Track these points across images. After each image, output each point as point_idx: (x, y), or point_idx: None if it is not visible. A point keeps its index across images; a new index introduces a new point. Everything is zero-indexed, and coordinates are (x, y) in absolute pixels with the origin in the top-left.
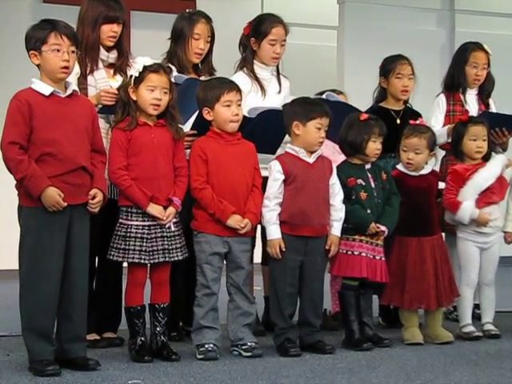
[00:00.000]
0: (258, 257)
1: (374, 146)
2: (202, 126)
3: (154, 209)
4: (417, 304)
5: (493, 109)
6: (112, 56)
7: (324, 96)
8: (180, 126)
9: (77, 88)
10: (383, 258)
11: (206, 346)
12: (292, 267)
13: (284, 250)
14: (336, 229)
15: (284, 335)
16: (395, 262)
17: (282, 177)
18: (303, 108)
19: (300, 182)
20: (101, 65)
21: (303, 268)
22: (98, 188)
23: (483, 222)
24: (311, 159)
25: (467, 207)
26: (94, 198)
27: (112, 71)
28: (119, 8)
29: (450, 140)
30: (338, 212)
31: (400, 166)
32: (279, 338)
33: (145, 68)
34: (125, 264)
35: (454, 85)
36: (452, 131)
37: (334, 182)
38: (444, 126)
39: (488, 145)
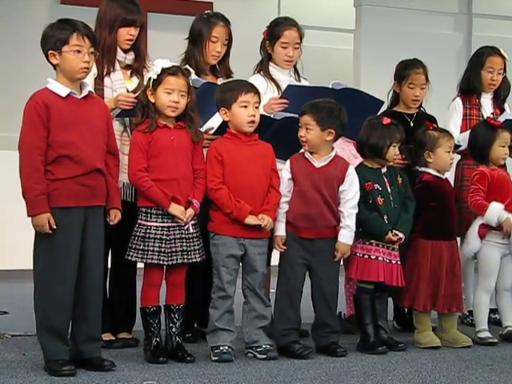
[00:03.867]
0: (275, 259)
1: (394, 152)
2: (224, 132)
3: (175, 209)
4: (449, 308)
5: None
6: (129, 57)
7: (330, 85)
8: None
9: (92, 89)
10: (399, 262)
11: (221, 347)
12: (299, 264)
13: (285, 246)
14: (343, 236)
15: (287, 336)
16: (429, 267)
17: (289, 175)
18: (340, 121)
19: (303, 186)
20: (118, 66)
21: (312, 269)
22: (115, 208)
23: (508, 228)
24: (319, 163)
25: (496, 207)
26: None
27: (129, 73)
28: (137, 11)
29: None
30: (345, 219)
31: (431, 170)
32: (283, 339)
33: (163, 70)
34: (139, 264)
35: (469, 89)
36: (474, 134)
37: (346, 188)
38: (461, 129)
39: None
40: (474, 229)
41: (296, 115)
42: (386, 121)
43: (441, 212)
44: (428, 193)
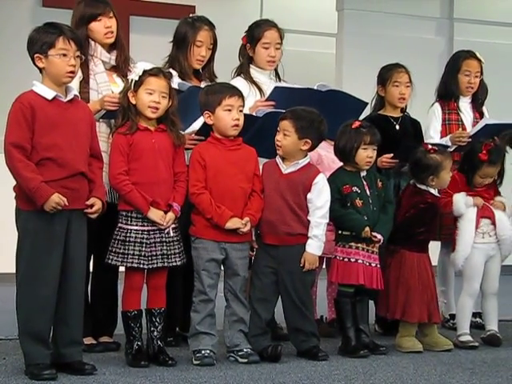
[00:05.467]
0: None
1: (365, 154)
2: (208, 132)
3: (154, 214)
4: (435, 317)
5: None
6: (113, 57)
7: (315, 87)
8: (181, 132)
9: (77, 93)
10: (378, 266)
11: (203, 351)
12: (263, 273)
13: (254, 252)
14: (310, 246)
15: (257, 343)
16: (418, 279)
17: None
18: (319, 133)
19: (267, 190)
20: (102, 68)
21: (279, 276)
22: (96, 197)
23: (479, 203)
24: (287, 169)
25: (458, 197)
26: (92, 206)
27: (115, 75)
28: (100, 4)
29: (452, 149)
30: (313, 229)
31: (433, 190)
32: (255, 346)
33: (144, 72)
34: (121, 268)
35: (447, 93)
36: (465, 156)
37: (312, 197)
38: (441, 135)
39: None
40: (464, 235)
41: (278, 110)
42: (355, 124)
43: (431, 228)
44: (430, 214)
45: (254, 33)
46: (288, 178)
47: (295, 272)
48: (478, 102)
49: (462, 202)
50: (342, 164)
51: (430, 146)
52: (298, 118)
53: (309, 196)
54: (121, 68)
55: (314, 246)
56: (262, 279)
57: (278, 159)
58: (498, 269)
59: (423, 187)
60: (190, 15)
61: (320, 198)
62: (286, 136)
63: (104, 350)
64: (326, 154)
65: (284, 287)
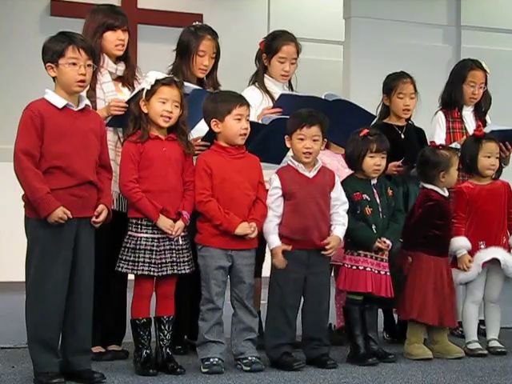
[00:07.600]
0: (267, 270)
1: (373, 162)
2: (212, 139)
3: (163, 223)
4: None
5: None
6: (120, 68)
7: (323, 96)
8: (190, 141)
9: (89, 102)
10: (388, 273)
11: (211, 359)
12: (295, 279)
13: (288, 252)
14: (337, 229)
15: (279, 349)
16: (434, 282)
17: (280, 192)
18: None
19: (300, 199)
20: (109, 77)
21: (307, 282)
22: (104, 204)
23: (461, 265)
24: (311, 173)
25: (459, 242)
26: (99, 214)
27: (120, 85)
28: (120, 17)
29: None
30: (340, 218)
31: (438, 189)
32: (274, 352)
33: (157, 81)
34: (130, 276)
35: (451, 102)
36: (463, 147)
37: (337, 195)
38: (445, 143)
39: (499, 161)
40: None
41: (283, 116)
42: (363, 132)
43: (444, 230)
44: (437, 211)
45: (272, 44)
46: (315, 181)
47: (323, 277)
48: (480, 111)
49: (455, 250)
50: (346, 172)
51: (437, 143)
52: (321, 121)
53: (333, 195)
54: (127, 79)
55: (340, 231)
56: (291, 285)
57: (300, 166)
58: (498, 278)
59: (429, 186)
60: (193, 24)
61: (342, 193)
62: (316, 141)
63: (113, 358)
64: (330, 163)
65: (310, 294)
